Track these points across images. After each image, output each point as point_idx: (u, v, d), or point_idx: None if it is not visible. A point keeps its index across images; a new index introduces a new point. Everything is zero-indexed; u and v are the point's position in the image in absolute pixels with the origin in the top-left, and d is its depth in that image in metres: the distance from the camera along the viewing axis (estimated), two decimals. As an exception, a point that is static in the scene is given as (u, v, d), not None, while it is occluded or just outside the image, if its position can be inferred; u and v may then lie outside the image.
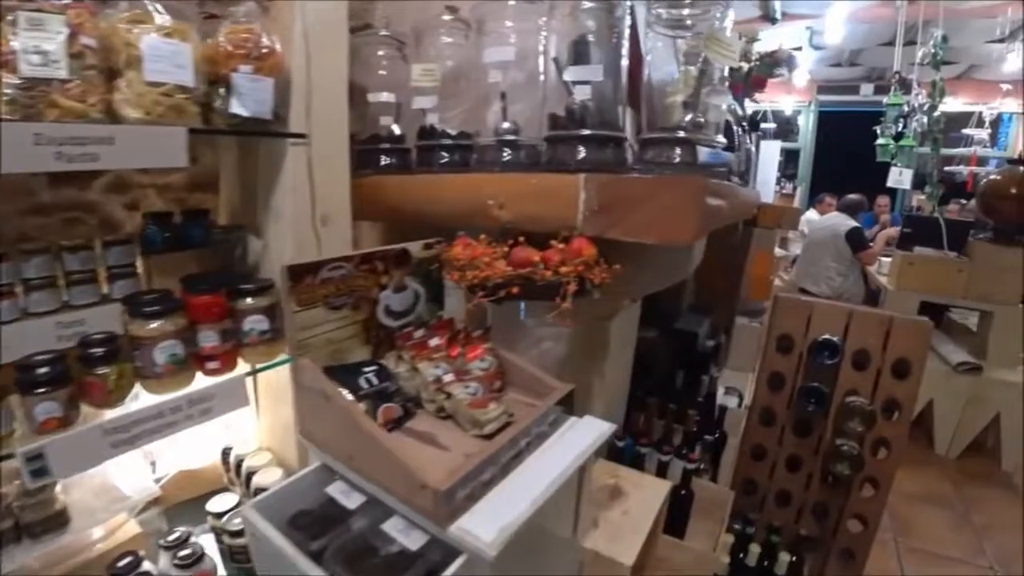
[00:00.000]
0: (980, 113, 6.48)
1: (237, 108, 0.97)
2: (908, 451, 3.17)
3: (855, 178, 5.69)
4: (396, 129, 1.40)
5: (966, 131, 6.76)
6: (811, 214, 5.57)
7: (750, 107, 7.84)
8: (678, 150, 0.98)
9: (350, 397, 0.89)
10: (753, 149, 2.31)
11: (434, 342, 0.97)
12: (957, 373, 2.93)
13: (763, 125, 8.20)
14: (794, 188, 8.14)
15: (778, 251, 4.62)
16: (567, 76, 0.99)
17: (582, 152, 1.00)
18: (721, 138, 1.06)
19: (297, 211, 1.08)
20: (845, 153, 6.97)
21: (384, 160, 1.40)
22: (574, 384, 0.94)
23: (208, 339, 1.02)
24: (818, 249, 4.36)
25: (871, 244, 4.20)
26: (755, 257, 2.45)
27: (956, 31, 5.12)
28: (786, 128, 8.42)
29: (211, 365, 1.04)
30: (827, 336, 1.64)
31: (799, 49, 5.92)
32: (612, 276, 0.97)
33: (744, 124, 1.89)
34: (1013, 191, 3.06)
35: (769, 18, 5.14)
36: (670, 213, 0.90)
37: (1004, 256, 3.04)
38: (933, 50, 3.86)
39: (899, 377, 1.65)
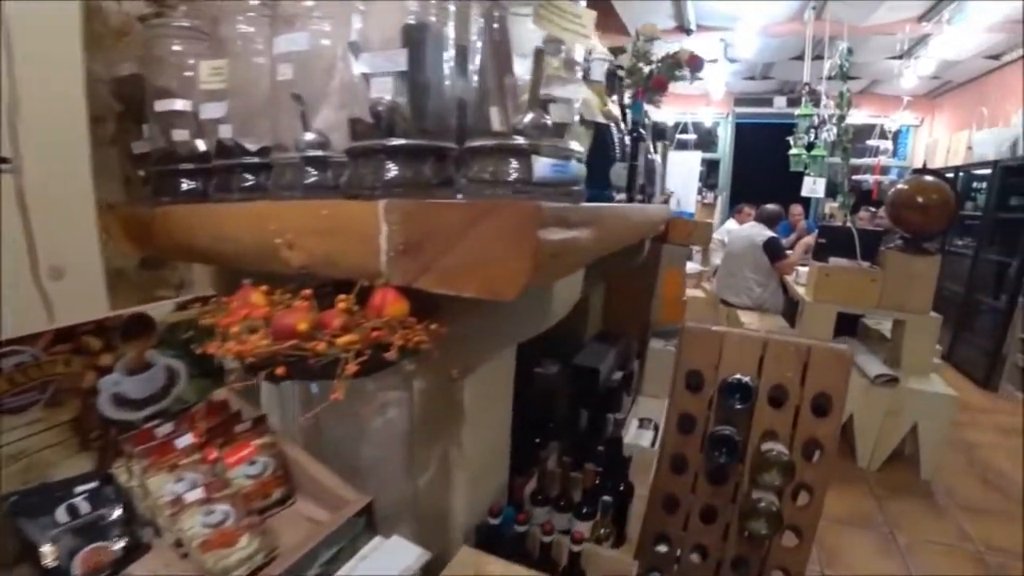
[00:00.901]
0: (882, 125, 6.78)
1: None
2: (833, 469, 3.13)
3: (772, 188, 5.80)
4: (200, 145, 1.11)
5: (870, 142, 7.07)
6: (730, 224, 5.60)
7: (670, 116, 7.91)
8: (513, 163, 0.74)
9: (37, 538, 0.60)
10: (659, 160, 2.15)
11: (184, 441, 0.69)
12: (875, 386, 2.88)
13: (684, 136, 8.35)
14: (715, 198, 8.30)
15: (694, 267, 4.57)
16: (357, 67, 0.74)
17: (391, 170, 0.75)
18: (575, 145, 0.83)
19: (5, 261, 0.78)
20: (762, 163, 7.16)
21: (184, 184, 1.10)
22: (420, 462, 0.69)
23: None
24: (737, 260, 4.34)
25: (788, 253, 4.21)
26: (666, 276, 2.29)
27: (859, 47, 5.30)
28: (708, 139, 8.61)
29: None
30: (738, 376, 1.45)
31: (714, 61, 6.00)
32: (434, 339, 0.72)
33: (641, 130, 1.70)
34: (919, 200, 3.08)
35: (684, 29, 5.15)
36: (492, 254, 0.66)
37: (914, 265, 3.04)
38: (840, 61, 3.92)
39: (820, 414, 1.49)
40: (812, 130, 4.60)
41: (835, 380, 1.46)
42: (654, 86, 1.99)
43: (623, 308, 2.33)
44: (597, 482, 1.64)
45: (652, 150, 2.08)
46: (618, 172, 1.32)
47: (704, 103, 7.73)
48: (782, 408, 1.50)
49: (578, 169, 0.81)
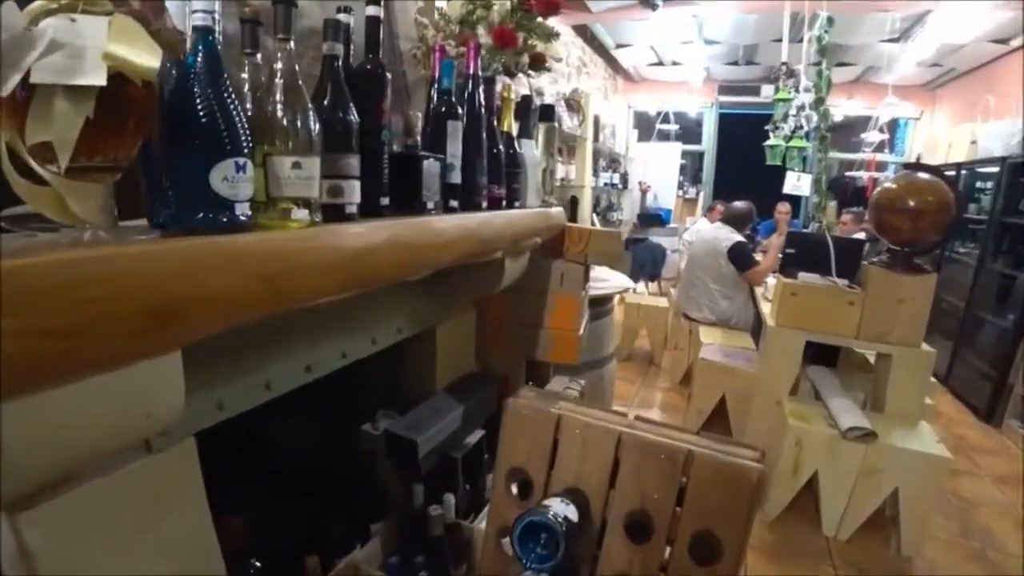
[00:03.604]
0: (877, 117, 6.14)
1: None
2: (790, 535, 2.54)
3: (759, 183, 5.21)
4: None
5: (865, 135, 6.43)
6: (701, 224, 4.97)
7: (652, 105, 7.25)
8: None
9: None
10: (537, 149, 1.53)
11: None
12: (847, 440, 2.28)
13: (665, 126, 7.72)
14: (697, 193, 7.66)
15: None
16: None
17: None
18: None
19: None
20: (749, 156, 6.54)
21: None
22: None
23: None
24: (699, 267, 3.72)
25: (759, 260, 3.58)
26: (555, 302, 1.69)
27: (852, 27, 4.65)
28: (697, 130, 7.96)
29: None
30: (541, 513, 0.85)
31: (689, 43, 5.36)
32: None
33: (454, 103, 1.10)
34: (910, 203, 2.45)
35: (649, 4, 4.51)
36: None
37: (902, 286, 2.42)
38: (818, 33, 3.28)
39: (703, 560, 0.89)
40: (790, 117, 3.96)
41: (730, 511, 0.85)
42: (497, 40, 1.36)
43: (502, 342, 1.75)
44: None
45: (523, 135, 1.48)
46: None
47: (686, 91, 7.08)
48: (645, 544, 0.90)
49: None
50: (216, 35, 0.68)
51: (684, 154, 7.71)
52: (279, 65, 0.76)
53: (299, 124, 0.75)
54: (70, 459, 0.61)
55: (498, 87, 1.38)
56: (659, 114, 7.82)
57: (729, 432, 3.02)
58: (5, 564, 0.63)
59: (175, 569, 0.80)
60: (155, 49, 0.61)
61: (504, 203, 1.37)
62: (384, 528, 1.35)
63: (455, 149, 1.13)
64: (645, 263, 5.82)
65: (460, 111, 1.13)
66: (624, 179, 6.72)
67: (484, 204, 1.26)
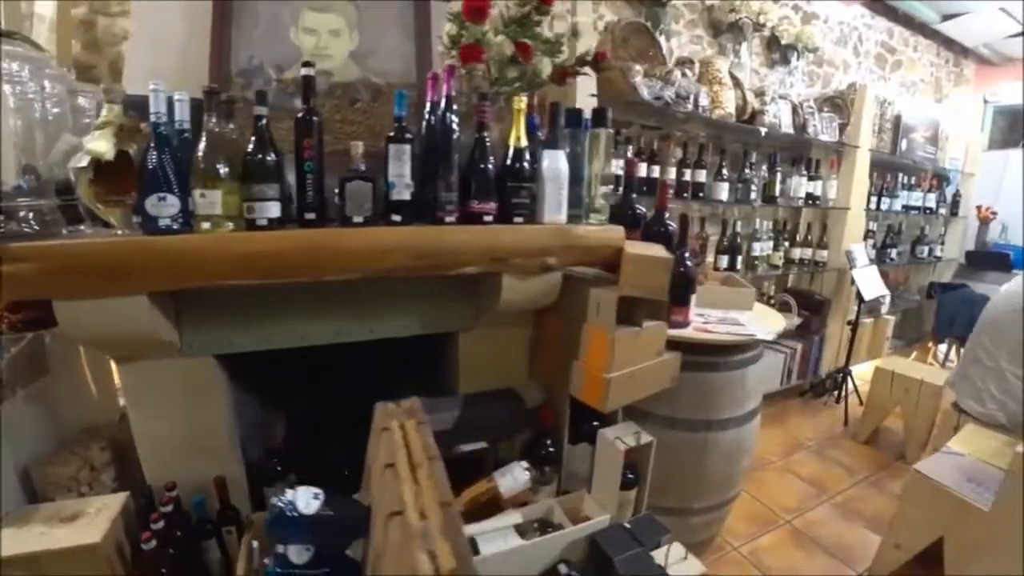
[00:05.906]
0: None
1: None
2: None
3: None
4: None
5: None
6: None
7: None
8: None
9: None
10: (561, 164, 1.48)
11: None
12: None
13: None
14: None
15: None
16: None
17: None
18: None
19: None
20: None
21: None
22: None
23: None
24: (989, 335, 2.45)
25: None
26: (589, 336, 1.54)
27: None
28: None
29: None
30: (282, 490, 0.91)
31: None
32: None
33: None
34: None
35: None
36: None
37: None
38: None
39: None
40: None
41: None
42: (461, 59, 1.38)
43: (550, 368, 1.74)
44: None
45: (550, 145, 1.49)
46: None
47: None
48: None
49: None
50: (162, 125, 1.10)
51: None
52: (204, 133, 1.14)
53: (204, 169, 1.13)
54: (114, 337, 1.18)
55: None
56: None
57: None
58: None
59: (192, 428, 1.38)
60: (111, 141, 1.10)
61: (491, 218, 1.40)
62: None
63: (398, 169, 1.28)
64: (955, 319, 4.14)
65: (406, 135, 1.28)
66: (954, 202, 5.09)
67: (449, 219, 1.35)
